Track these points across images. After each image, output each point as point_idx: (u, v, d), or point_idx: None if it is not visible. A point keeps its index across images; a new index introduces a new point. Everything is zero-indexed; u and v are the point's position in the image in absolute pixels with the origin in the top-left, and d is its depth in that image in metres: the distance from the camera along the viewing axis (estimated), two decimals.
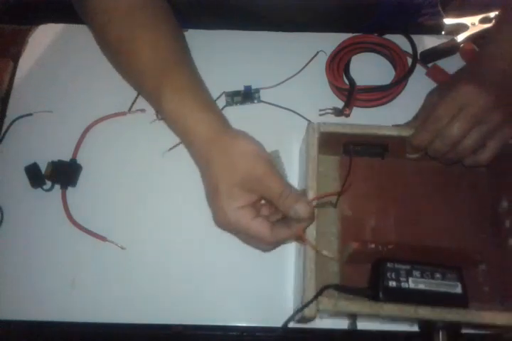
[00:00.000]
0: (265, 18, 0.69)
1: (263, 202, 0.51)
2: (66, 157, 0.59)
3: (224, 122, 0.52)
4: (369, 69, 0.64)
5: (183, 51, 0.57)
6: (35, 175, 0.58)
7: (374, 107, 0.62)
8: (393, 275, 0.47)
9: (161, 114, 0.55)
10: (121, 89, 0.61)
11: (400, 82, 0.61)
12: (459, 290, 0.47)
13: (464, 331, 0.48)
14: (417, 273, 0.47)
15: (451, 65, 0.62)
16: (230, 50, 0.66)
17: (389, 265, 0.47)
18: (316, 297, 0.44)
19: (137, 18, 0.55)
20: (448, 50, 0.65)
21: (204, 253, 0.56)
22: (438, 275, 0.47)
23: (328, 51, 0.64)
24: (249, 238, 0.49)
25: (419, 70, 0.64)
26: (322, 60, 0.64)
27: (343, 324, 0.52)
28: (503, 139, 0.50)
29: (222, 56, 0.65)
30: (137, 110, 0.62)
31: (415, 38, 0.65)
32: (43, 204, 0.57)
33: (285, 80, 0.63)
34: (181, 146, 0.59)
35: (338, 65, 0.63)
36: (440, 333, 0.46)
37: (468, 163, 0.52)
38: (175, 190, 0.58)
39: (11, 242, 0.56)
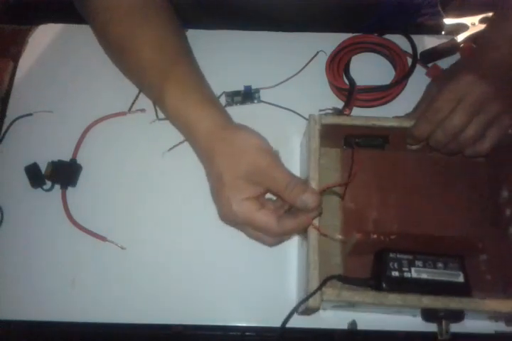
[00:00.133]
0: (265, 18, 0.69)
1: (267, 196, 0.51)
2: (66, 157, 0.59)
3: (227, 117, 0.53)
4: (369, 69, 0.64)
5: (185, 49, 0.58)
6: (35, 175, 0.58)
7: (374, 107, 0.62)
8: (396, 266, 0.48)
9: (164, 110, 0.55)
10: (121, 89, 0.61)
11: (400, 82, 0.61)
12: (461, 279, 0.48)
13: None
14: (419, 262, 0.48)
15: None
16: (230, 50, 0.66)
17: (391, 255, 0.48)
18: (320, 287, 0.45)
19: (138, 16, 0.55)
20: (448, 50, 0.65)
21: (204, 253, 0.55)
22: (440, 264, 0.48)
23: (328, 51, 0.64)
24: (254, 231, 0.49)
25: (419, 70, 0.64)
26: (322, 60, 0.64)
27: (343, 324, 0.52)
28: (502, 129, 0.51)
29: (222, 56, 0.65)
30: (137, 110, 0.62)
31: (415, 38, 0.65)
32: (43, 204, 0.57)
33: (285, 80, 0.63)
34: (181, 146, 0.59)
35: (338, 65, 0.63)
36: (443, 322, 0.46)
37: (468, 153, 0.52)
38: (175, 190, 0.58)
39: (11, 242, 0.56)
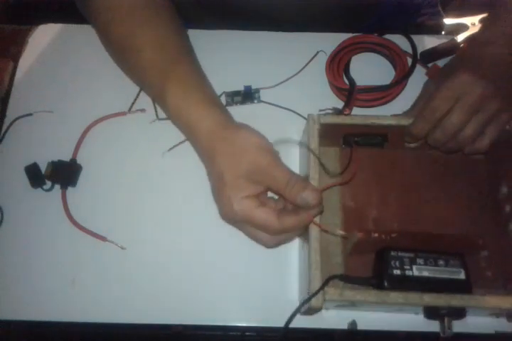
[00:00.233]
0: (265, 18, 0.69)
1: (268, 195, 0.51)
2: (66, 157, 0.59)
3: (228, 116, 0.53)
4: (369, 69, 0.64)
5: (187, 48, 0.58)
6: (35, 175, 0.58)
7: (374, 107, 0.62)
8: (397, 264, 0.48)
9: (165, 109, 0.56)
10: (121, 89, 0.61)
11: (399, 82, 0.61)
12: (462, 276, 0.48)
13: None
14: (420, 260, 0.48)
15: None
16: (230, 50, 0.66)
17: (393, 253, 0.48)
18: (322, 287, 0.45)
19: (140, 16, 0.56)
20: (448, 50, 0.65)
21: (204, 253, 0.55)
22: (441, 262, 0.48)
23: (328, 51, 0.64)
24: (254, 229, 0.49)
25: (419, 70, 0.64)
26: (322, 60, 0.64)
27: (343, 324, 0.52)
28: (501, 126, 0.51)
29: (222, 56, 0.65)
30: (137, 110, 0.62)
31: (415, 38, 0.65)
32: (43, 204, 0.57)
33: (285, 80, 0.63)
34: (181, 146, 0.59)
35: (338, 65, 0.63)
36: (446, 320, 0.46)
37: (467, 151, 0.53)
38: (175, 190, 0.58)
39: (11, 242, 0.56)
